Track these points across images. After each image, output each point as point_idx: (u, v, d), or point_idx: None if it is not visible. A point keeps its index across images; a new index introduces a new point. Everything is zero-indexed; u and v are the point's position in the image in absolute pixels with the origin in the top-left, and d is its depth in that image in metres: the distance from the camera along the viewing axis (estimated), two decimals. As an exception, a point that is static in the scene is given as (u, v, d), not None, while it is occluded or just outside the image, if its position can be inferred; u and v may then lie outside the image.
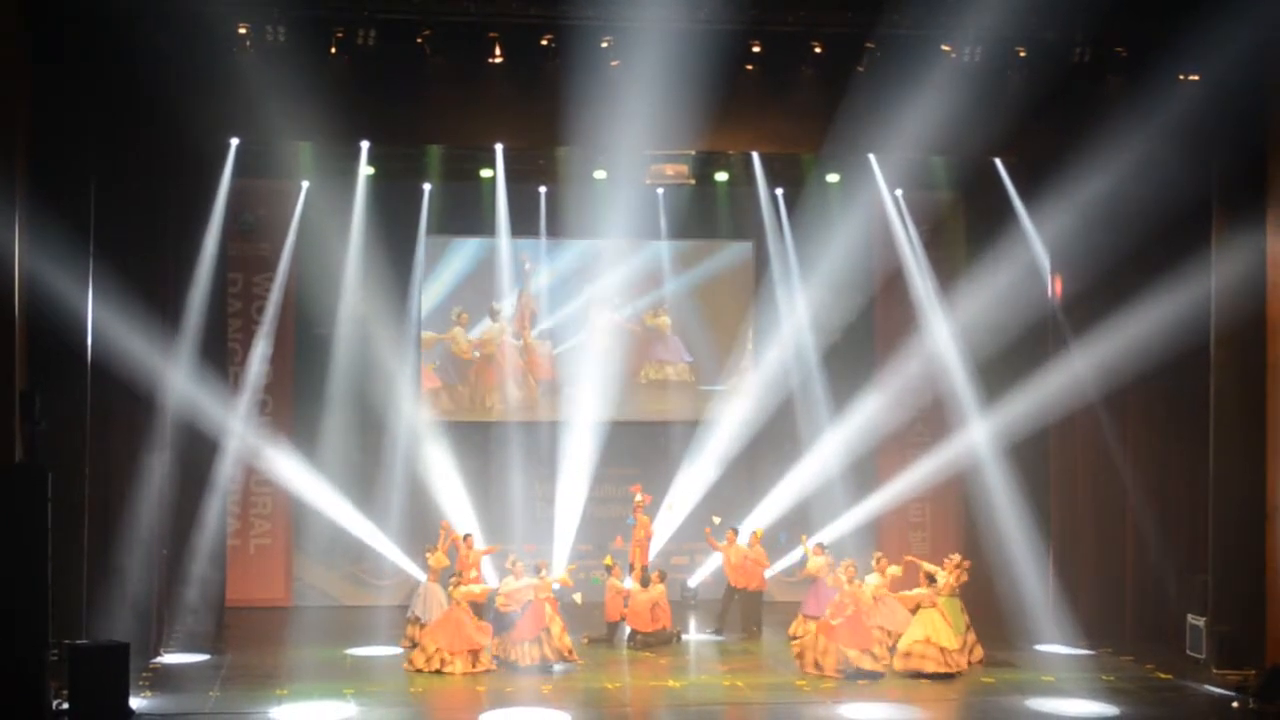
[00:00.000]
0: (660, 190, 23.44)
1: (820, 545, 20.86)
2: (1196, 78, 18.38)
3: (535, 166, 22.91)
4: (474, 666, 18.18)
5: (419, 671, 18.13)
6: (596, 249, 23.90)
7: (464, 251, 24.13)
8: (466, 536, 20.51)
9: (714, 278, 24.74)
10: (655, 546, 22.84)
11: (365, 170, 22.14)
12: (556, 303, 24.35)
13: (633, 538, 21.84)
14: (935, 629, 18.23)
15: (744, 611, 21.33)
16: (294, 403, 23.50)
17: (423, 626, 19.82)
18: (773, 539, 23.01)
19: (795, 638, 19.83)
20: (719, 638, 21.03)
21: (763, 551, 21.58)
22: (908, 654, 18.18)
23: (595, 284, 24.16)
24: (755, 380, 24.31)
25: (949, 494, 23.75)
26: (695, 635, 21.17)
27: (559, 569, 20.58)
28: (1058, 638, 19.91)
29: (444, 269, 24.11)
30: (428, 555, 20.45)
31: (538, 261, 24.19)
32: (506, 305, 24.09)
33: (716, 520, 22.19)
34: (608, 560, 20.73)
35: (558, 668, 18.50)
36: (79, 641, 15.49)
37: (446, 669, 18.08)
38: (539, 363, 24.31)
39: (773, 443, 24.23)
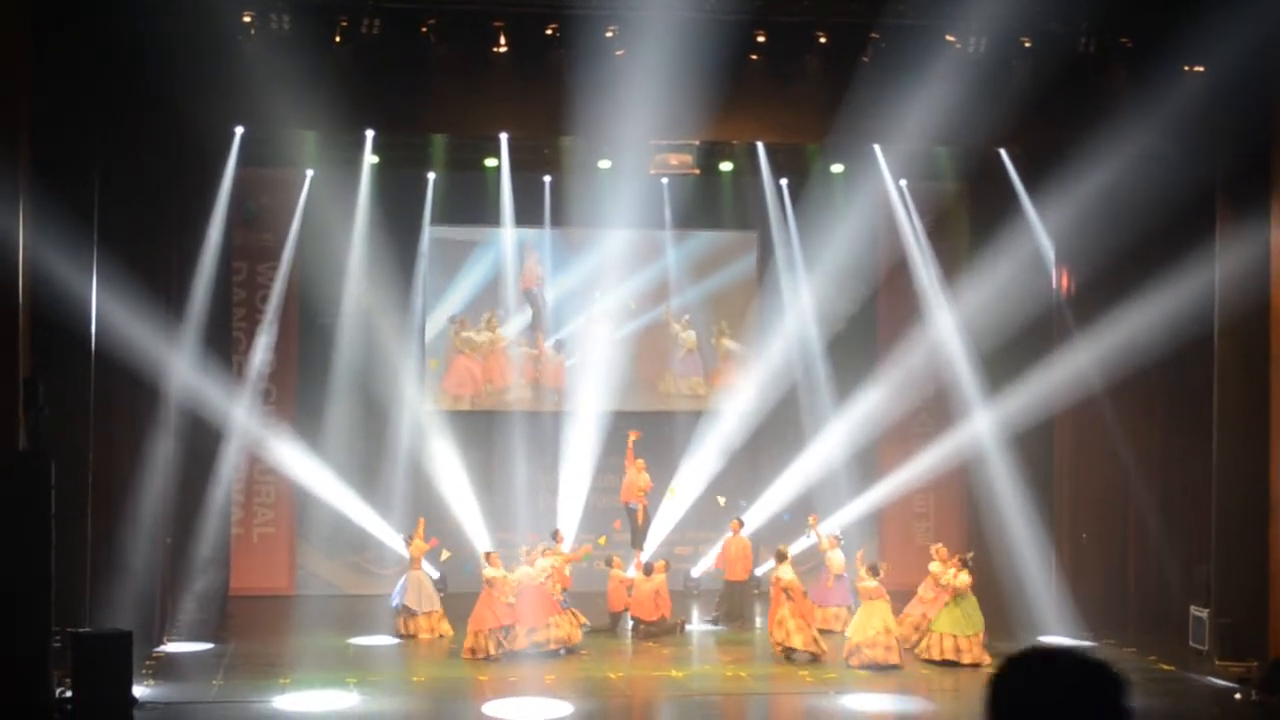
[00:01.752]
0: (665, 180, 23.39)
1: (835, 536, 20.89)
2: (1201, 69, 18.32)
3: (540, 156, 22.90)
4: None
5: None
6: (604, 249, 23.79)
7: (485, 256, 24.12)
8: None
9: (718, 268, 24.75)
10: (659, 536, 22.91)
11: (370, 159, 22.15)
12: (568, 310, 24.36)
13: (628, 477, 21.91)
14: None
15: (732, 602, 21.37)
16: (297, 392, 23.53)
17: (412, 616, 19.86)
18: (776, 520, 23.11)
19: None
20: (715, 627, 21.07)
21: (747, 543, 21.65)
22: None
23: (605, 288, 24.10)
24: (759, 370, 24.30)
25: (952, 484, 23.77)
26: (698, 625, 21.18)
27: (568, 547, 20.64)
28: (1061, 629, 19.91)
29: (470, 270, 24.14)
30: (408, 544, 20.50)
31: (543, 252, 24.18)
32: (515, 321, 24.11)
33: (721, 501, 22.16)
34: (602, 541, 20.68)
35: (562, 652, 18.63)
36: (82, 629, 15.49)
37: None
38: (550, 371, 24.31)
39: (776, 433, 24.22)
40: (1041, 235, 21.40)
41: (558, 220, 23.94)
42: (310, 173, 22.73)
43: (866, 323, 24.72)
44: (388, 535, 22.83)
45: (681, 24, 17.50)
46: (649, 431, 24.04)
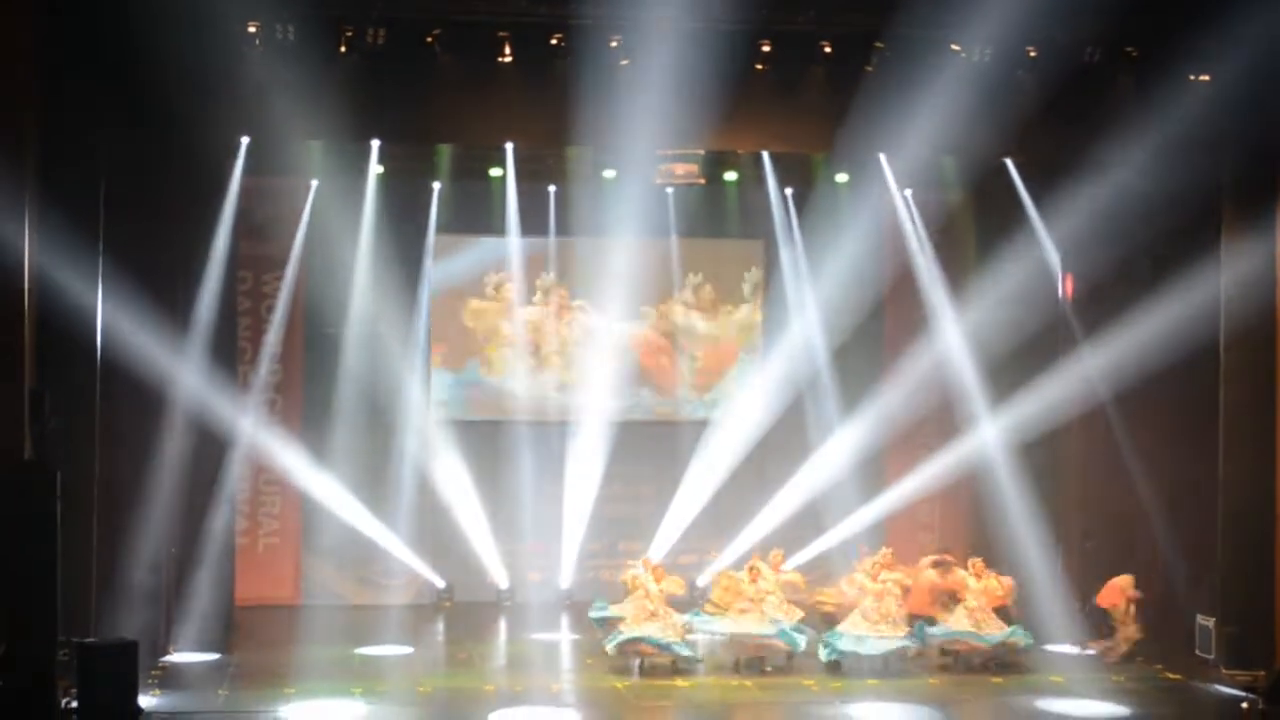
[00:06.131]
0: (670, 190, 23.38)
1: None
2: (1207, 78, 18.32)
3: (545, 165, 22.89)
4: None
5: None
6: (609, 258, 23.69)
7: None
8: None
9: (723, 278, 24.74)
10: (664, 547, 22.92)
11: (375, 169, 22.12)
12: (573, 319, 24.34)
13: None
14: None
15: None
16: (303, 401, 23.51)
17: None
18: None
19: None
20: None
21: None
22: None
23: (610, 298, 24.09)
24: (765, 380, 24.25)
25: (959, 494, 23.73)
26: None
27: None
28: (1067, 638, 19.86)
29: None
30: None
31: (549, 264, 24.15)
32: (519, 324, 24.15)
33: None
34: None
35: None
36: (88, 640, 15.50)
37: None
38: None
39: (782, 442, 24.15)
40: (1047, 244, 21.40)
41: (563, 230, 23.92)
42: (315, 182, 22.66)
43: (872, 332, 24.64)
44: (394, 545, 22.86)
45: (686, 34, 17.53)
46: (654, 440, 24.05)
